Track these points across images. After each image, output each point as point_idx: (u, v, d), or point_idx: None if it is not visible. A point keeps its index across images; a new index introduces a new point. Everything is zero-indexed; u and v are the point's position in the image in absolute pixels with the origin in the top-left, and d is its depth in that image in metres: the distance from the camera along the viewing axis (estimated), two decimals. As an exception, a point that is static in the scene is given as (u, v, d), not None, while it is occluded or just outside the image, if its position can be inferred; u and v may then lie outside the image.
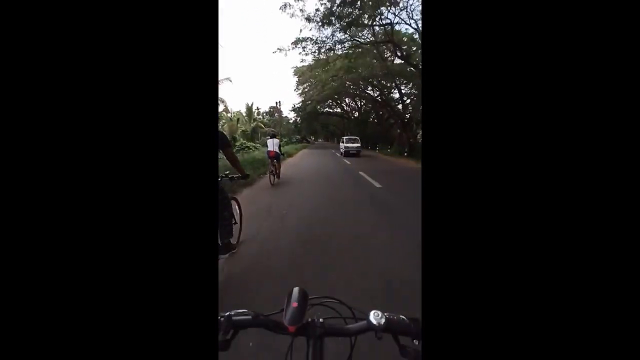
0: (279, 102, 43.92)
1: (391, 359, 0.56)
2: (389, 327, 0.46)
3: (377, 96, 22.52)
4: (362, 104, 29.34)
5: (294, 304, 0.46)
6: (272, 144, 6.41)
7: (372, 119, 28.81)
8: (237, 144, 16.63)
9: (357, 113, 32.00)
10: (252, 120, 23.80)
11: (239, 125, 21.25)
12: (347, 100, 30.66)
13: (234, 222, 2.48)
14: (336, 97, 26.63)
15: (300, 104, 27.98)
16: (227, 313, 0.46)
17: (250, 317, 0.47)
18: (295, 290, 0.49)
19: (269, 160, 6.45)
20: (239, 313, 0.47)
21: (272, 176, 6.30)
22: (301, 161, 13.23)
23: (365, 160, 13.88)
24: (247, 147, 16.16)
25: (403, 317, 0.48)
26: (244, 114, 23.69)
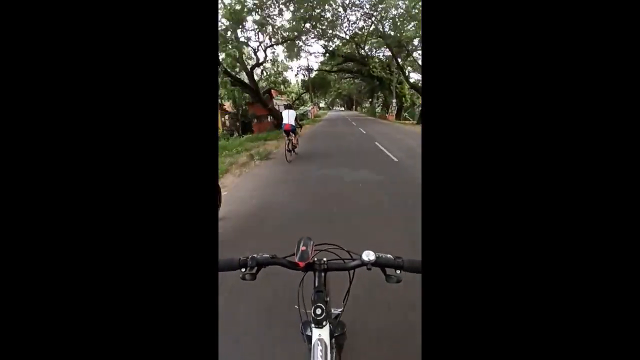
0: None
1: (380, 285, 0.70)
2: (378, 262, 0.58)
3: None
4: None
5: (303, 248, 0.59)
6: (288, 116, 5.73)
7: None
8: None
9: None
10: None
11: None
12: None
13: None
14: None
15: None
16: (252, 255, 0.59)
17: (269, 257, 0.60)
18: (303, 238, 0.61)
19: (284, 134, 5.85)
20: (261, 255, 0.60)
21: (287, 152, 5.78)
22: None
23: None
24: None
25: (389, 255, 0.59)
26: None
